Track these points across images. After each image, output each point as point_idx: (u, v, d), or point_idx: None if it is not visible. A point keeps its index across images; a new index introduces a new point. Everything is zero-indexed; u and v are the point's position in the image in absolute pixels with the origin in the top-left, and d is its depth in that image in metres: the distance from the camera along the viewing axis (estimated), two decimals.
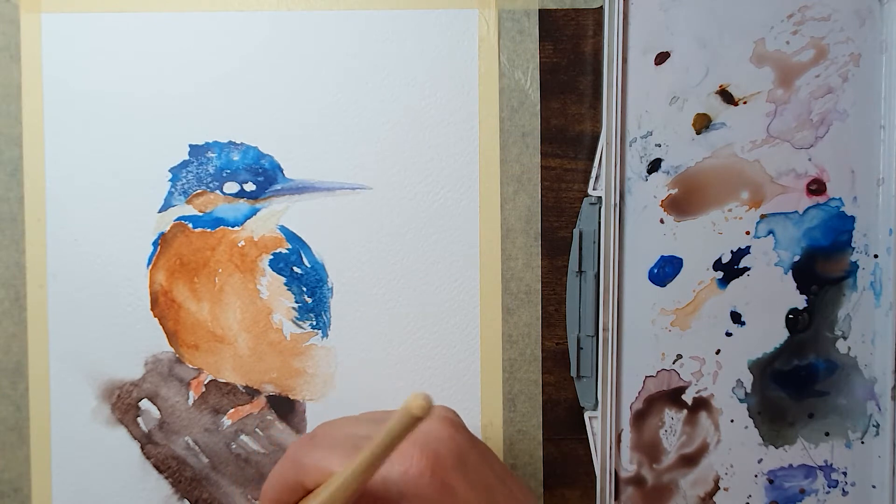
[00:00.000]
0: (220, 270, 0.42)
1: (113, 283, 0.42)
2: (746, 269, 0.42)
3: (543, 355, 0.42)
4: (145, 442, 0.42)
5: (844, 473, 0.43)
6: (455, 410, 0.35)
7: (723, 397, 0.43)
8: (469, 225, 0.42)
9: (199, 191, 0.42)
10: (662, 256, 0.42)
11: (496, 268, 0.42)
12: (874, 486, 0.43)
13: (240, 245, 0.42)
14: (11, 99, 0.41)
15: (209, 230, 0.42)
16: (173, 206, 0.42)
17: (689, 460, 0.43)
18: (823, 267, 0.43)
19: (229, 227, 0.42)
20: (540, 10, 0.42)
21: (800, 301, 0.43)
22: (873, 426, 0.43)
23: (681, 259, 0.42)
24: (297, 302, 0.42)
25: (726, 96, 0.42)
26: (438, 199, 0.42)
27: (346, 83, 0.42)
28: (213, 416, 0.42)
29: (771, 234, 0.42)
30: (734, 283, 0.42)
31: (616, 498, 0.42)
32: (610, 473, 0.42)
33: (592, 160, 0.42)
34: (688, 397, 0.43)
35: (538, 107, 0.42)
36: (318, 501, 0.29)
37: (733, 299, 0.43)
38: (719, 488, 0.43)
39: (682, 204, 0.42)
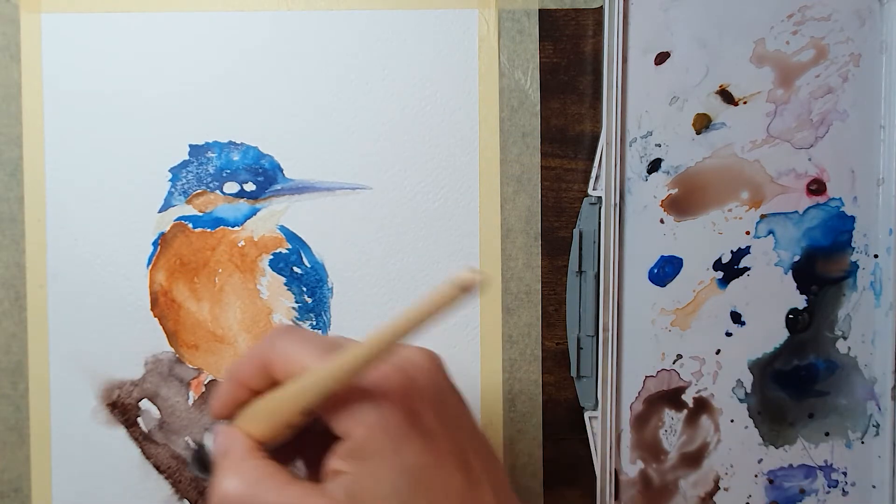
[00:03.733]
0: (220, 270, 0.42)
1: (113, 283, 0.42)
2: (746, 269, 0.42)
3: (543, 355, 0.42)
4: (145, 442, 0.42)
5: (844, 473, 0.43)
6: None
7: (723, 397, 0.43)
8: (469, 225, 0.42)
9: (199, 191, 0.42)
10: (662, 256, 0.42)
11: (496, 268, 0.42)
12: (874, 486, 0.43)
13: (240, 245, 0.42)
14: (11, 99, 0.41)
15: (209, 230, 0.42)
16: (173, 206, 0.42)
17: (690, 460, 0.43)
18: (823, 267, 0.43)
19: (229, 227, 0.42)
20: (540, 10, 0.42)
21: (800, 301, 0.43)
22: (873, 426, 0.43)
23: (681, 259, 0.42)
24: (297, 302, 0.42)
25: (726, 96, 0.42)
26: (438, 199, 0.42)
27: (346, 83, 0.42)
28: None
29: (771, 234, 0.42)
30: (734, 283, 0.42)
31: (616, 498, 0.42)
32: (610, 473, 0.42)
33: (592, 160, 0.42)
34: (688, 397, 0.43)
35: (538, 107, 0.42)
36: (298, 386, 0.27)
37: (733, 299, 0.43)
38: (719, 488, 0.43)
39: (682, 204, 0.42)
